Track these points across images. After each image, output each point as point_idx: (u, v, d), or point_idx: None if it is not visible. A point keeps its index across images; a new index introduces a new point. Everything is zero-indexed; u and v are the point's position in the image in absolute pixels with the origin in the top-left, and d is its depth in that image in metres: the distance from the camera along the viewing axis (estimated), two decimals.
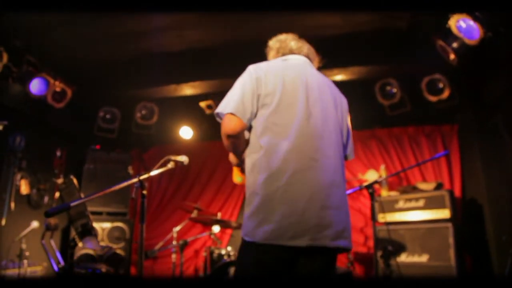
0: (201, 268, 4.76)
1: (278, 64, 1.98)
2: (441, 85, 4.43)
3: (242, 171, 2.13)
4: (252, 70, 1.89)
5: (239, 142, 1.88)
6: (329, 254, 1.76)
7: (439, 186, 4.47)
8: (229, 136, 1.83)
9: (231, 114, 1.79)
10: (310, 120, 1.80)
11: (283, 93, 1.82)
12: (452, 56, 3.66)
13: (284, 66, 1.95)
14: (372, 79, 4.78)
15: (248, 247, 1.70)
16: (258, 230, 1.65)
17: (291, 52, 2.08)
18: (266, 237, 1.63)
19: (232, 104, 1.80)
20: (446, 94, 4.41)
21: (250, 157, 1.83)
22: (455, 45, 3.55)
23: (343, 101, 2.07)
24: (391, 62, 4.50)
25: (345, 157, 2.04)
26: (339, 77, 4.69)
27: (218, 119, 1.92)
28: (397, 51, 4.25)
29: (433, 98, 4.47)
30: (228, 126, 1.80)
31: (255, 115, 1.83)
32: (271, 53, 2.16)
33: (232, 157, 2.07)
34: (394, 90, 4.72)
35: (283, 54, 2.09)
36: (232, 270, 3.70)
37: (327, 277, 1.78)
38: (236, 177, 2.29)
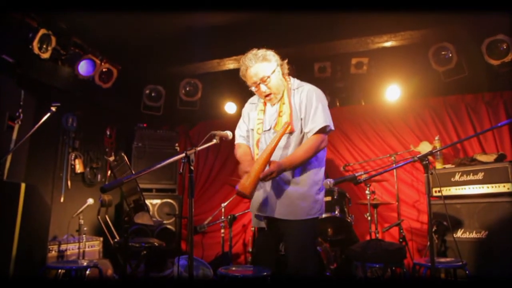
0: (250, 242, 4.80)
1: None
2: (504, 47, 4.05)
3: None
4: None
5: None
6: None
7: (500, 158, 4.14)
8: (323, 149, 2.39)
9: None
10: None
11: None
12: None
13: None
14: (425, 44, 4.46)
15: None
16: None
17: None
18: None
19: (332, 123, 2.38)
20: (510, 56, 4.03)
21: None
22: None
23: None
24: (446, 24, 4.14)
25: None
26: (389, 43, 4.39)
27: (313, 131, 2.36)
28: (453, 11, 3.91)
29: (495, 62, 4.10)
30: (327, 141, 2.39)
31: None
32: (284, 67, 2.54)
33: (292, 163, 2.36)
34: (450, 54, 4.39)
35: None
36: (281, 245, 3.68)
37: None
38: (249, 186, 2.31)
